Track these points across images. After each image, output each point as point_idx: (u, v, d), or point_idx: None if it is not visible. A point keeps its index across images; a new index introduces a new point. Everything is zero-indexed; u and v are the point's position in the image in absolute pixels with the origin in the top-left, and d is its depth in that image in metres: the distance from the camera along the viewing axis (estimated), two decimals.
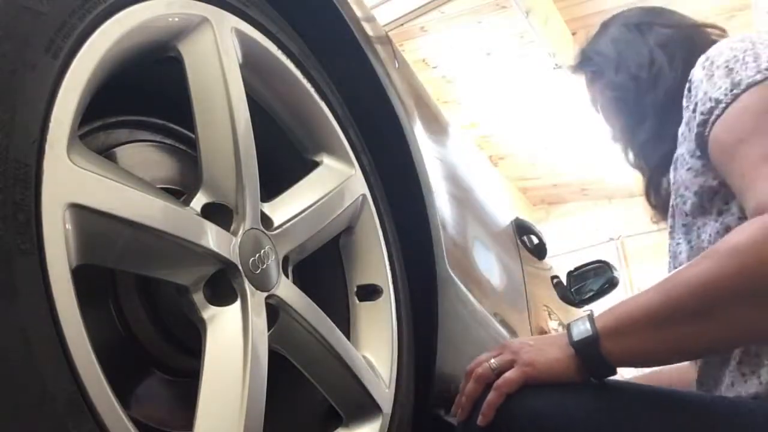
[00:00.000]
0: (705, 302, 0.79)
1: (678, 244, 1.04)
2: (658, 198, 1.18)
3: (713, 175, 0.95)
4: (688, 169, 0.98)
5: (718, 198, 0.94)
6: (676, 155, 1.03)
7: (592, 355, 0.83)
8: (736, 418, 0.83)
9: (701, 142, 0.94)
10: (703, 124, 0.93)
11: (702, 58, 0.99)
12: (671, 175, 1.04)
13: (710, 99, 0.92)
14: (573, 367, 0.84)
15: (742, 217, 0.91)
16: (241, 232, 0.73)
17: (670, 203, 1.07)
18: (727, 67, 0.93)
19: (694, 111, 0.96)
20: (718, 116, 0.91)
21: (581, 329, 0.85)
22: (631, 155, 1.24)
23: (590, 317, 0.86)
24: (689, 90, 0.99)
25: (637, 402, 0.85)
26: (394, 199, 1.06)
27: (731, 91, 0.90)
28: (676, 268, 1.04)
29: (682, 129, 1.01)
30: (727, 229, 0.92)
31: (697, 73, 0.98)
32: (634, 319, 0.83)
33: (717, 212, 0.95)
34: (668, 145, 1.09)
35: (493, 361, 0.88)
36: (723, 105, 0.90)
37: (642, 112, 1.17)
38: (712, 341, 0.82)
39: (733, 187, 0.89)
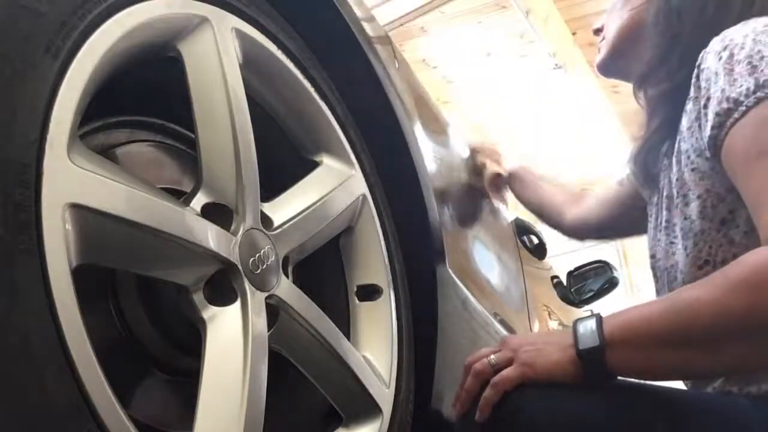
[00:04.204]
0: (711, 334, 0.78)
1: (672, 243, 1.00)
2: (643, 169, 1.08)
3: (720, 181, 0.88)
4: (693, 170, 0.92)
5: (723, 206, 0.89)
6: (678, 148, 0.96)
7: (596, 364, 0.82)
8: (735, 417, 0.83)
9: (714, 145, 0.86)
10: (718, 126, 0.85)
11: (717, 44, 0.88)
12: (673, 167, 0.97)
13: (728, 99, 0.83)
14: (572, 371, 0.83)
15: (748, 231, 0.86)
16: (241, 232, 0.73)
17: (665, 193, 1.02)
18: (749, 63, 0.83)
19: (705, 107, 0.88)
20: (737, 120, 0.83)
21: (588, 335, 0.83)
22: (641, 91, 1.12)
23: (598, 321, 0.84)
24: (697, 78, 0.91)
25: (636, 400, 0.84)
26: (394, 199, 1.06)
27: (754, 93, 0.81)
28: (666, 269, 1.01)
29: (688, 123, 0.93)
30: (731, 243, 0.88)
31: (710, 62, 0.88)
32: (641, 336, 0.82)
33: (720, 221, 0.89)
34: (672, 112, 0.99)
35: (492, 357, 0.87)
36: (743, 108, 0.82)
37: (665, 64, 1.03)
38: (713, 368, 0.83)
39: (746, 202, 0.83)
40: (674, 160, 0.98)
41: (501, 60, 4.27)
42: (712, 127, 0.86)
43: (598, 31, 1.26)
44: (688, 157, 0.93)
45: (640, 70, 1.10)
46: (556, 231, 1.63)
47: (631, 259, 5.88)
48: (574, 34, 4.02)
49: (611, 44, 1.18)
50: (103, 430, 0.52)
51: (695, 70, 0.91)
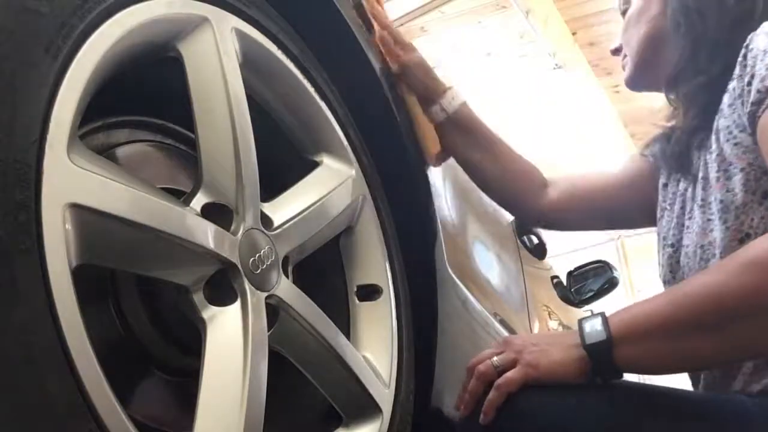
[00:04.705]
0: (718, 316, 0.77)
1: (710, 220, 0.97)
2: (679, 154, 1.05)
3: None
4: (736, 144, 0.92)
5: (767, 179, 0.89)
6: (717, 126, 0.96)
7: (604, 360, 0.82)
8: (738, 417, 0.83)
9: (752, 122, 0.88)
10: (757, 103, 0.86)
11: None
12: (712, 146, 0.97)
13: None
14: (577, 369, 0.83)
15: None
16: (241, 232, 0.73)
17: (700, 175, 1.00)
18: None
19: (749, 84, 0.89)
20: None
21: (594, 331, 0.83)
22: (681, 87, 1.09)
23: (603, 318, 0.84)
24: (744, 57, 0.91)
25: (641, 402, 0.84)
26: (394, 199, 1.06)
27: None
28: (702, 246, 0.98)
29: (729, 100, 0.94)
30: None
31: (760, 42, 0.89)
32: (649, 327, 0.81)
33: (762, 194, 0.89)
34: (710, 101, 0.98)
35: (495, 359, 0.87)
36: None
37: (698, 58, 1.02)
38: (720, 354, 0.82)
39: None
40: (713, 138, 0.97)
41: (501, 60, 4.27)
42: (752, 103, 0.87)
43: (617, 51, 1.23)
44: (730, 132, 0.93)
45: (668, 74, 1.09)
46: (508, 207, 1.37)
47: (631, 259, 5.89)
48: (574, 34, 4.02)
49: (635, 58, 1.16)
50: (103, 430, 0.52)
51: (743, 50, 0.92)
